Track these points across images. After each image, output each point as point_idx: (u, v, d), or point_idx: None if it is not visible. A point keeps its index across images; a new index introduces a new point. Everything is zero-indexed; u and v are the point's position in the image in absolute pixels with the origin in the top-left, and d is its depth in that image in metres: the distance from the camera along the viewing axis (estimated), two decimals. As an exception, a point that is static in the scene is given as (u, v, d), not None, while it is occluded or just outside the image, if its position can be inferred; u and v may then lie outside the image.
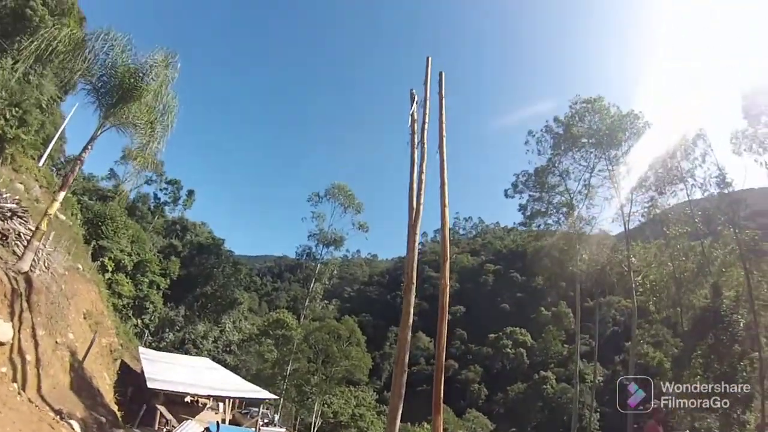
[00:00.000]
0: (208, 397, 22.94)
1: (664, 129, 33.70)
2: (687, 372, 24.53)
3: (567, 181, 37.86)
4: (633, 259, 33.25)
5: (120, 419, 16.11)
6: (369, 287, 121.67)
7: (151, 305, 45.14)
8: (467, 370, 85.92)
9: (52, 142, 34.29)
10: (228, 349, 52.31)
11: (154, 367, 23.54)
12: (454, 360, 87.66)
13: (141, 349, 29.93)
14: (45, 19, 27.28)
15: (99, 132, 15.36)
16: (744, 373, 22.94)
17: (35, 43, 13.55)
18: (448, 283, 9.91)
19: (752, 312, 24.04)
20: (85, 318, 18.51)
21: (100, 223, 37.86)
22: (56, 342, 14.29)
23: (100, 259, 35.91)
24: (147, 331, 45.89)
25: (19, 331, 11.52)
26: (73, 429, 9.96)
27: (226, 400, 25.33)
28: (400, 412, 8.80)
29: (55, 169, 40.27)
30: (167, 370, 23.60)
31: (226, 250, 61.37)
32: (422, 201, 10.90)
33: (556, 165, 38.07)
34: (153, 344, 42.64)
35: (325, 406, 45.72)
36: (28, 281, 13.19)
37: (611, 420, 49.71)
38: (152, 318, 46.12)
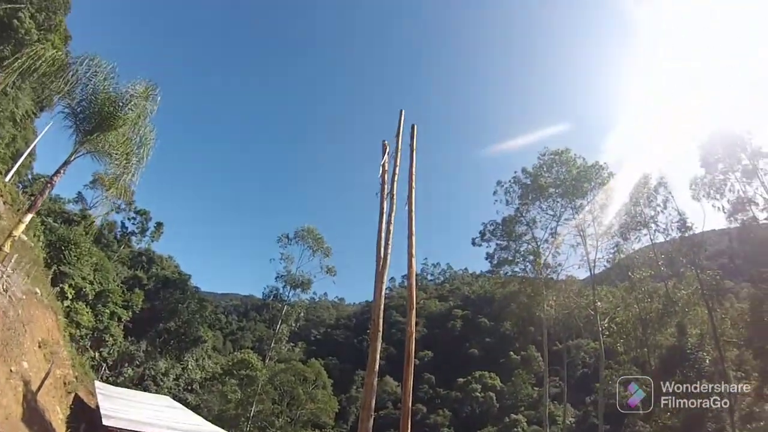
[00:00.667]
0: (162, 438, 21.70)
1: (627, 177, 35.24)
2: (657, 409, 24.78)
3: (534, 229, 38.80)
4: (599, 303, 33.95)
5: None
6: (336, 330, 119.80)
7: (110, 338, 43.20)
8: (436, 414, 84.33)
9: (22, 158, 33.63)
10: (190, 387, 50.03)
11: (111, 403, 22.15)
12: (422, 404, 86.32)
13: (97, 383, 28.43)
14: (31, 32, 27.27)
15: (73, 157, 15.22)
16: (716, 410, 23.21)
17: (20, 60, 13.51)
18: (414, 330, 10.33)
19: (717, 348, 24.91)
20: (40, 347, 17.70)
21: (63, 248, 36.31)
22: (10, 370, 13.64)
23: (60, 285, 34.41)
24: (104, 365, 43.69)
25: (-29, 358, 11.02)
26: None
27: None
28: None
29: (21, 186, 39.20)
30: (124, 407, 22.28)
31: (192, 286, 60.03)
32: (390, 250, 11.20)
33: (524, 214, 38.93)
34: (110, 379, 40.48)
35: (291, 452, 44.00)
36: (-15, 306, 12.72)
37: None
38: (111, 351, 44.01)
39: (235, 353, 52.57)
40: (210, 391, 48.48)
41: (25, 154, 34.22)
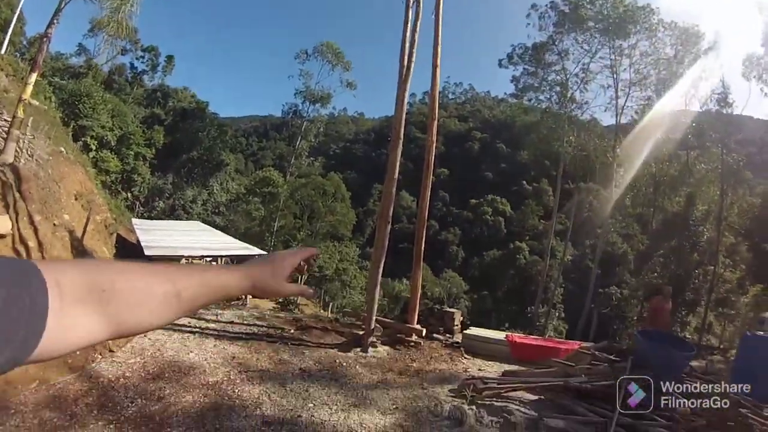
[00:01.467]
0: (201, 257, 24.13)
1: (678, 32, 31.67)
2: (647, 267, 26.25)
3: (565, 61, 36.43)
4: (619, 150, 33.54)
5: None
6: (355, 145, 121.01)
7: (139, 177, 45.04)
8: (447, 232, 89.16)
9: (11, 27, 31.32)
10: (217, 210, 53.33)
11: (149, 235, 24.23)
12: (435, 221, 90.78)
13: (134, 220, 30.67)
14: None
15: (63, 4, 14.16)
16: (696, 281, 24.76)
17: None
18: (435, 142, 10.33)
19: (717, 230, 25.43)
20: (76, 199, 18.85)
21: (76, 102, 36.12)
22: (54, 225, 14.79)
23: (82, 139, 35.07)
24: (137, 203, 46.39)
25: (17, 221, 11.93)
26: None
27: (219, 259, 26.90)
28: (383, 262, 9.53)
29: (19, 55, 36.86)
30: (161, 237, 24.60)
31: (211, 113, 59.59)
32: (413, 59, 10.73)
33: (556, 43, 36.38)
34: (144, 215, 43.27)
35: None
36: (16, 172, 13.31)
37: (572, 295, 53.87)
38: (141, 189, 46.27)
39: (257, 172, 54.62)
40: (235, 211, 51.93)
41: (14, 21, 31.56)
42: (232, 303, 19.46)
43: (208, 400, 5.81)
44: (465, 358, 9.53)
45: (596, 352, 8.04)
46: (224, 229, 40.32)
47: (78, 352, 5.85)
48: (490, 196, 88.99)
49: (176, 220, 39.50)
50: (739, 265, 26.35)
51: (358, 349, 8.85)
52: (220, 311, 10.48)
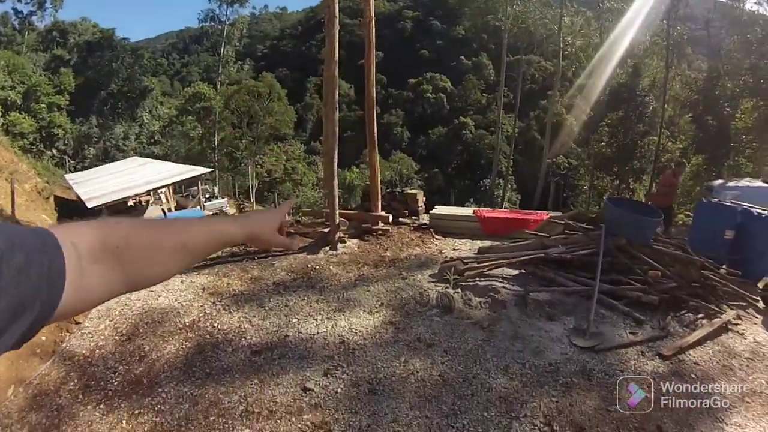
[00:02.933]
0: (147, 193, 22.94)
1: None
2: (594, 137, 26.77)
3: None
4: (566, 19, 32.41)
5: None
6: (282, 41, 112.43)
7: (59, 130, 41.30)
8: (389, 114, 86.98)
9: None
10: (152, 140, 49.97)
11: (87, 187, 22.71)
12: (375, 105, 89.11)
13: (67, 176, 28.51)
14: None
15: None
16: (642, 150, 25.30)
17: None
18: (373, 17, 9.60)
19: (662, 101, 25.52)
20: (-3, 175, 16.87)
21: None
22: (-19, 211, 13.31)
23: None
24: (66, 157, 42.68)
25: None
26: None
27: (166, 189, 25.63)
28: (336, 152, 9.17)
29: None
30: (101, 185, 23.01)
31: (120, 39, 53.65)
32: None
33: None
34: (78, 167, 39.91)
35: (258, 167, 47.27)
36: None
37: (522, 166, 56.27)
38: (66, 142, 42.59)
39: (186, 89, 50.62)
40: (172, 136, 48.92)
41: None
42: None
43: (190, 344, 5.42)
44: (436, 239, 9.34)
45: (569, 222, 8.24)
46: (165, 157, 38.32)
47: (44, 337, 5.42)
48: (429, 74, 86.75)
49: (113, 162, 36.87)
50: (678, 136, 27.11)
51: (327, 248, 8.47)
52: None
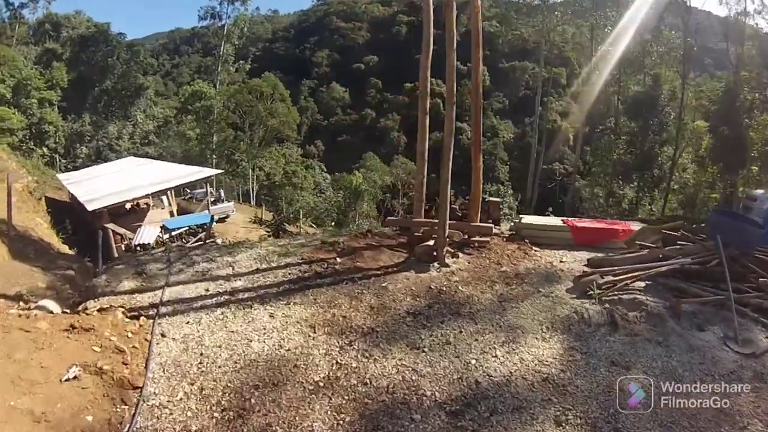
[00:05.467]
0: (148, 196, 21.37)
1: None
2: (606, 144, 26.37)
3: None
4: (560, 27, 31.81)
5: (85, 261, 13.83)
6: (275, 44, 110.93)
7: (50, 127, 39.04)
8: (385, 119, 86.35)
9: None
10: (146, 140, 47.73)
11: (84, 187, 21.45)
12: (370, 109, 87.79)
13: (59, 176, 27.09)
14: None
15: None
16: (659, 159, 24.94)
17: None
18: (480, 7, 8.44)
19: (680, 111, 25.20)
20: (-15, 173, 15.01)
21: None
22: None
23: None
24: (57, 156, 40.49)
25: None
26: (50, 311, 5.74)
27: (168, 192, 24.04)
28: (452, 152, 8.74)
29: None
30: (100, 186, 21.43)
31: (115, 35, 51.18)
32: None
33: None
34: (69, 167, 37.68)
35: (258, 170, 45.60)
36: None
37: (516, 171, 57.02)
38: (57, 140, 40.29)
39: (186, 87, 48.22)
40: (168, 136, 46.93)
41: None
42: (207, 240, 17.15)
43: (350, 416, 3.87)
44: (534, 250, 8.38)
45: (682, 233, 8.14)
46: (160, 159, 36.47)
47: (90, 417, 3.55)
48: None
49: (105, 162, 34.70)
50: (693, 143, 26.61)
51: (436, 265, 7.21)
52: (230, 258, 7.34)
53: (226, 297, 5.88)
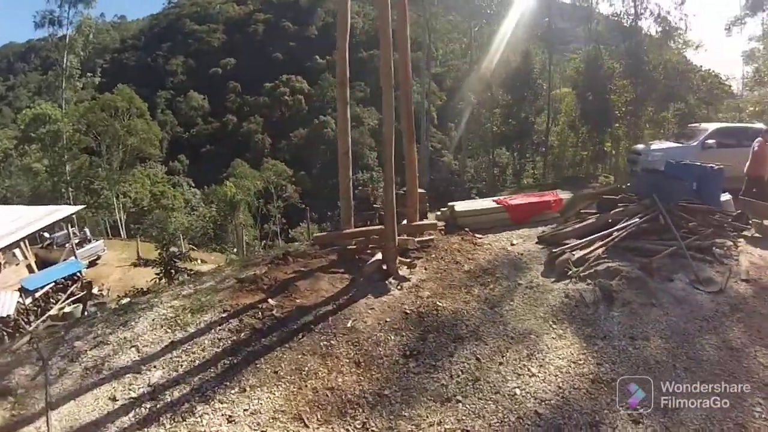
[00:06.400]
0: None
1: None
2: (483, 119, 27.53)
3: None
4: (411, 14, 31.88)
5: None
6: (124, 54, 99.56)
7: None
8: (248, 122, 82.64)
9: None
10: None
11: None
12: (231, 114, 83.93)
13: None
14: None
15: None
16: (535, 127, 26.97)
17: None
18: None
19: (549, 82, 27.07)
20: None
21: None
22: None
23: None
24: None
25: None
26: None
27: (21, 243, 19.99)
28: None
29: None
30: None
31: None
32: None
33: None
34: None
35: (123, 197, 40.50)
36: None
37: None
38: None
39: (25, 111, 40.26)
40: (9, 173, 39.43)
41: None
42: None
43: None
44: (477, 238, 7.96)
45: (606, 197, 8.77)
46: (3, 202, 30.71)
47: None
48: (285, 76, 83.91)
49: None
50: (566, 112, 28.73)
51: (393, 281, 6.08)
52: (127, 333, 5.29)
53: (149, 405, 3.93)
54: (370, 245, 6.99)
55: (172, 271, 11.98)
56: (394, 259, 6.32)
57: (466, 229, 8.28)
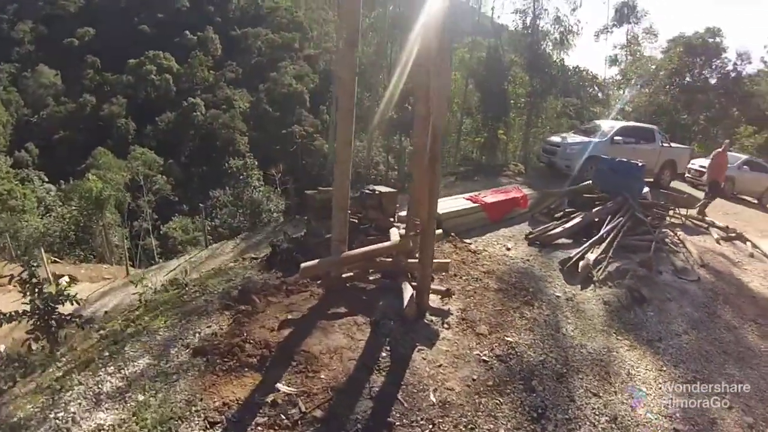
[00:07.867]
0: None
1: None
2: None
3: None
4: None
5: None
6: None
7: None
8: (109, 104, 70.42)
9: None
10: None
11: None
12: (89, 93, 72.19)
13: None
14: None
15: None
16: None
17: None
18: None
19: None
20: None
21: None
22: None
23: None
24: None
25: None
26: None
27: None
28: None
29: None
30: None
31: None
32: None
33: None
34: None
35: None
36: None
37: (256, 141, 58.21)
38: None
39: None
40: None
41: None
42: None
43: None
44: (466, 243, 7.46)
45: (584, 195, 9.48)
46: None
47: None
48: (152, 53, 74.35)
49: None
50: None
51: (432, 318, 4.74)
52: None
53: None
54: (371, 270, 5.39)
55: (53, 323, 6.17)
56: (428, 289, 4.93)
57: (453, 234, 7.58)
